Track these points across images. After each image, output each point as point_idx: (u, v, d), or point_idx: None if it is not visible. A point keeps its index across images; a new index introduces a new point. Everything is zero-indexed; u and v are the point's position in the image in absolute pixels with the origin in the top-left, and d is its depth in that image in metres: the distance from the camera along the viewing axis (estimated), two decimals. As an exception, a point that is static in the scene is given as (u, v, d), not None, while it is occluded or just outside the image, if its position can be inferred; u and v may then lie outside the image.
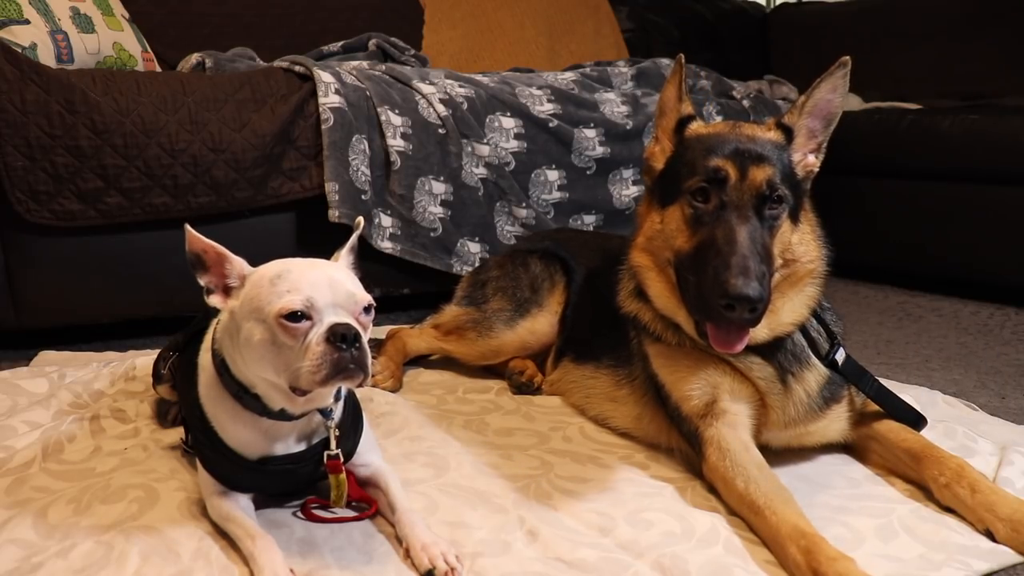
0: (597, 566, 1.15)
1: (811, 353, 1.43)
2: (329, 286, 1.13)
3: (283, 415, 1.20)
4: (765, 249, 1.29)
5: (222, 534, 1.20)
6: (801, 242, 1.37)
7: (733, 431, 1.37)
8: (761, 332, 1.38)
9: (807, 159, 1.42)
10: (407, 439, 1.58)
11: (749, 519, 1.26)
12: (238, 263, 1.19)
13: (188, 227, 1.18)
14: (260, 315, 1.12)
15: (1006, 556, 1.19)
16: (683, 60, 1.50)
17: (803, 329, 1.42)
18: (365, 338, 1.13)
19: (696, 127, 1.44)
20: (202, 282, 1.19)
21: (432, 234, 2.56)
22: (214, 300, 1.19)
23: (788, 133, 1.40)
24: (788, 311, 1.39)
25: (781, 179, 1.32)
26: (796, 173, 1.39)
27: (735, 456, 1.32)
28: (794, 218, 1.36)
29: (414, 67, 2.87)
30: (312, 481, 1.29)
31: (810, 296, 1.41)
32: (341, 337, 1.08)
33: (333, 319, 1.10)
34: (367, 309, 1.16)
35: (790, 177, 1.36)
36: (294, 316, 1.09)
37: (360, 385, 1.15)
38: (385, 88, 2.54)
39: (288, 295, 1.10)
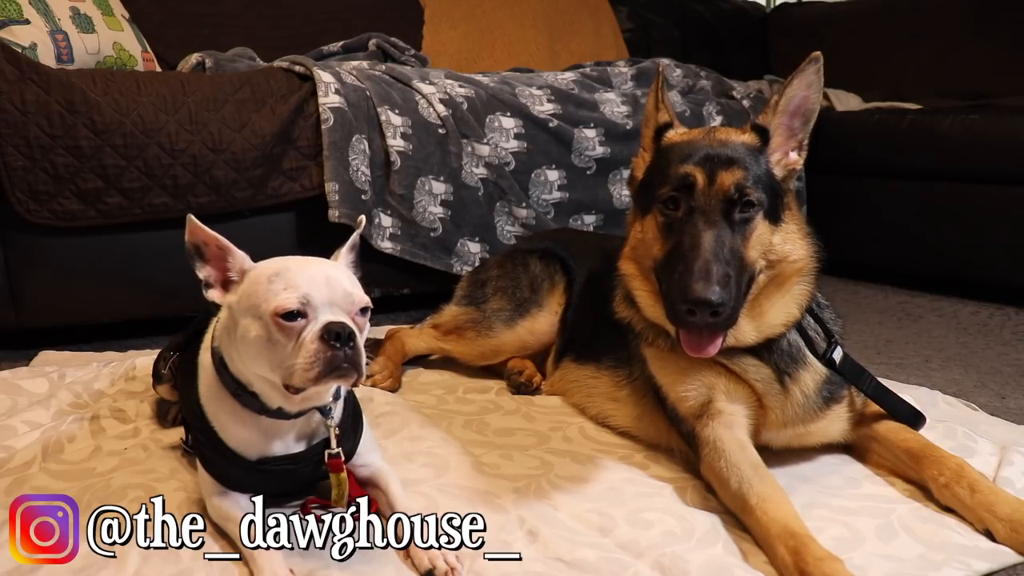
0: (597, 566, 1.15)
1: (808, 352, 1.42)
2: (326, 284, 1.13)
3: (281, 413, 1.20)
4: (733, 253, 1.29)
5: (222, 534, 1.20)
6: (785, 241, 1.36)
7: (729, 431, 1.37)
8: (749, 334, 1.38)
9: (788, 157, 1.42)
10: (407, 439, 1.58)
11: (742, 518, 1.26)
12: (240, 257, 1.19)
13: (191, 216, 1.17)
14: (257, 312, 1.12)
15: (1006, 556, 1.19)
16: (663, 69, 1.53)
17: (800, 328, 1.42)
18: (360, 338, 1.13)
19: (671, 135, 1.45)
20: (200, 275, 1.18)
21: (432, 234, 2.56)
22: (213, 294, 1.19)
23: (764, 134, 1.39)
24: (776, 312, 1.39)
25: (754, 181, 1.32)
26: (775, 173, 1.38)
27: (730, 456, 1.32)
28: (774, 218, 1.35)
29: (414, 67, 2.87)
30: (312, 481, 1.29)
31: (800, 295, 1.40)
32: (335, 336, 1.08)
33: (328, 317, 1.10)
34: (364, 310, 1.16)
35: (767, 178, 1.36)
36: (290, 314, 1.09)
37: (355, 385, 1.15)
38: (385, 88, 2.54)
39: (284, 293, 1.10)
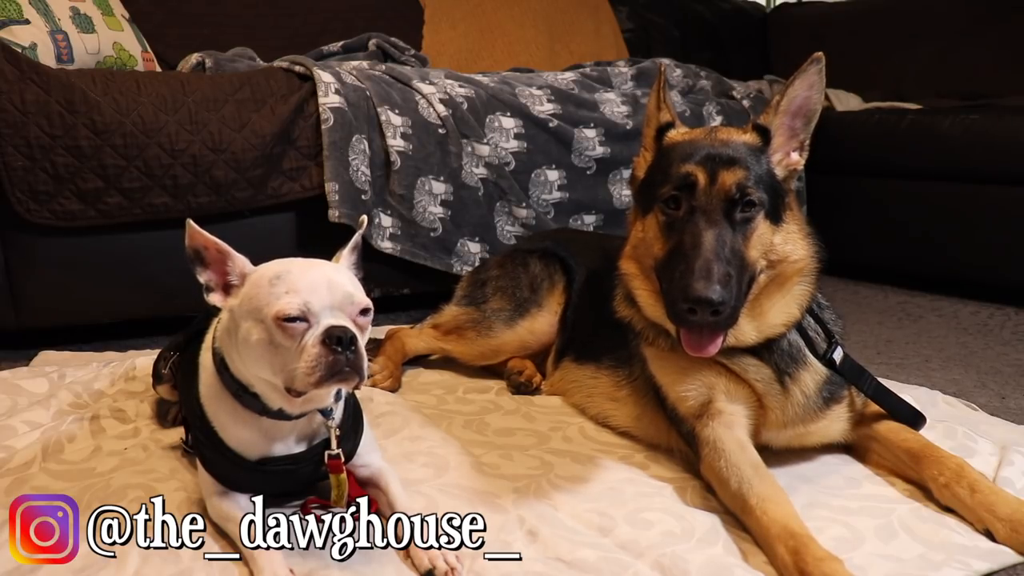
0: (597, 566, 1.15)
1: (808, 353, 1.42)
2: (327, 288, 1.13)
3: (282, 415, 1.20)
4: (734, 252, 1.29)
5: (222, 534, 1.21)
6: (786, 241, 1.36)
7: (729, 431, 1.37)
8: (749, 334, 1.38)
9: (790, 158, 1.42)
10: (407, 439, 1.58)
11: (741, 518, 1.26)
12: (240, 261, 1.19)
13: (190, 221, 1.17)
14: (258, 315, 1.12)
15: (1006, 556, 1.19)
16: (664, 69, 1.53)
17: (800, 329, 1.42)
18: (362, 341, 1.13)
19: (673, 134, 1.45)
20: (201, 279, 1.18)
21: (432, 234, 2.56)
22: (214, 298, 1.19)
23: (765, 134, 1.39)
24: (776, 312, 1.39)
25: (755, 181, 1.32)
26: (776, 173, 1.38)
27: (730, 456, 1.32)
28: (775, 218, 1.35)
29: (414, 67, 2.87)
30: (312, 481, 1.29)
31: (801, 295, 1.40)
32: (337, 340, 1.08)
33: (330, 321, 1.10)
34: (365, 311, 1.16)
35: (768, 178, 1.36)
36: (292, 318, 1.09)
37: (356, 388, 1.15)
38: (385, 88, 2.54)
39: (286, 296, 1.10)
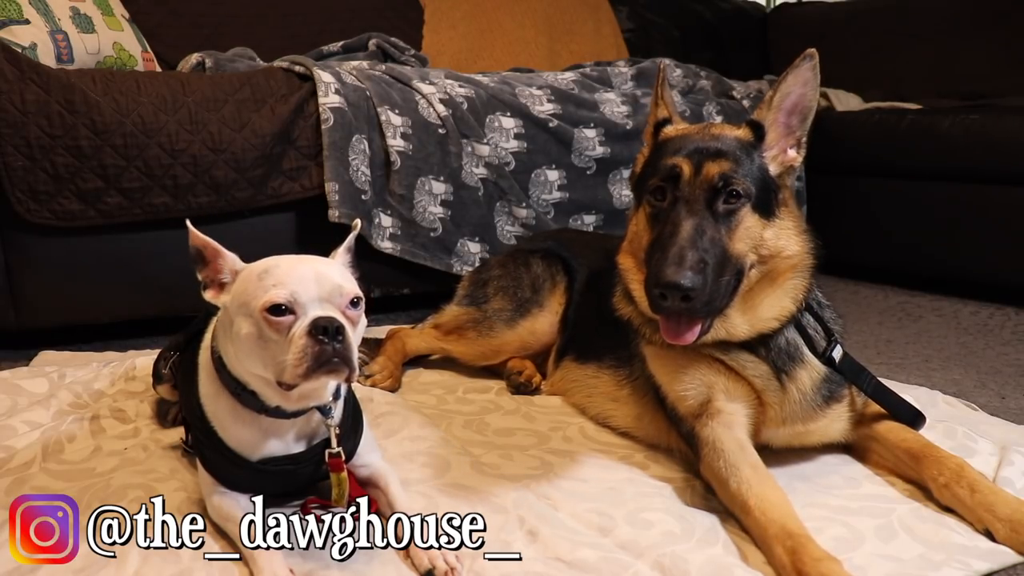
0: (597, 566, 1.15)
1: (806, 351, 1.42)
2: (315, 280, 1.13)
3: (280, 412, 1.20)
4: (714, 242, 1.28)
5: (222, 534, 1.21)
6: (778, 236, 1.36)
7: (728, 431, 1.37)
8: (741, 327, 1.38)
9: (786, 154, 1.41)
10: (407, 439, 1.58)
11: (740, 518, 1.26)
12: (230, 259, 1.21)
13: (189, 223, 1.20)
14: (247, 309, 1.13)
15: (1006, 556, 1.19)
16: (664, 67, 1.54)
17: (799, 327, 1.42)
18: (353, 332, 1.13)
19: (668, 130, 1.46)
20: (200, 276, 1.21)
21: (432, 234, 2.56)
22: (208, 295, 1.21)
23: (759, 130, 1.39)
24: (768, 306, 1.38)
25: (742, 173, 1.32)
26: (769, 168, 1.38)
27: (729, 456, 1.32)
28: (766, 212, 1.35)
29: (414, 67, 2.87)
30: (312, 481, 1.29)
31: (795, 289, 1.40)
32: (323, 330, 1.08)
33: (318, 312, 1.10)
34: (355, 303, 1.16)
35: (758, 172, 1.36)
36: (278, 310, 1.10)
37: (348, 380, 1.15)
38: (385, 88, 2.54)
39: (273, 289, 1.11)
